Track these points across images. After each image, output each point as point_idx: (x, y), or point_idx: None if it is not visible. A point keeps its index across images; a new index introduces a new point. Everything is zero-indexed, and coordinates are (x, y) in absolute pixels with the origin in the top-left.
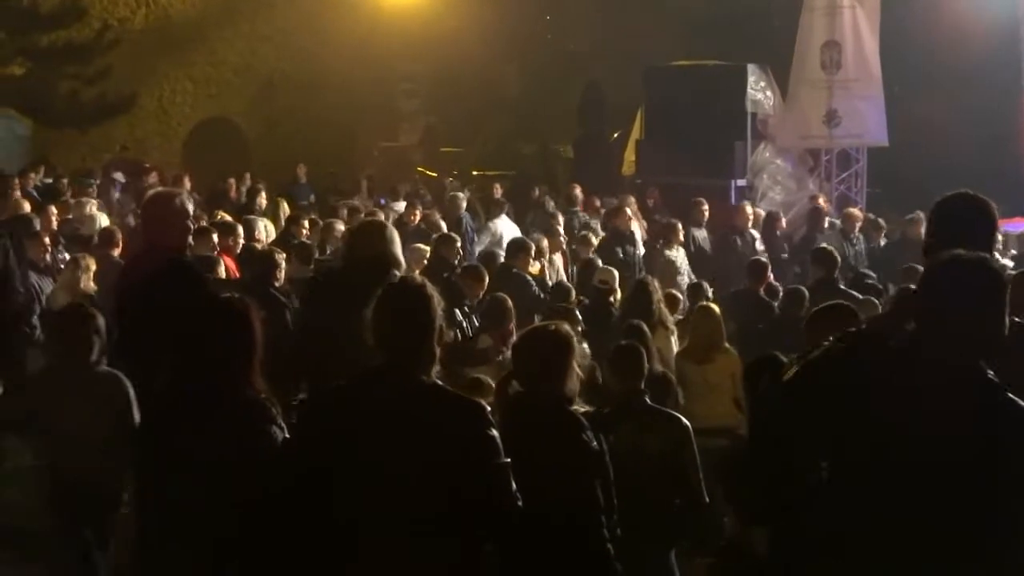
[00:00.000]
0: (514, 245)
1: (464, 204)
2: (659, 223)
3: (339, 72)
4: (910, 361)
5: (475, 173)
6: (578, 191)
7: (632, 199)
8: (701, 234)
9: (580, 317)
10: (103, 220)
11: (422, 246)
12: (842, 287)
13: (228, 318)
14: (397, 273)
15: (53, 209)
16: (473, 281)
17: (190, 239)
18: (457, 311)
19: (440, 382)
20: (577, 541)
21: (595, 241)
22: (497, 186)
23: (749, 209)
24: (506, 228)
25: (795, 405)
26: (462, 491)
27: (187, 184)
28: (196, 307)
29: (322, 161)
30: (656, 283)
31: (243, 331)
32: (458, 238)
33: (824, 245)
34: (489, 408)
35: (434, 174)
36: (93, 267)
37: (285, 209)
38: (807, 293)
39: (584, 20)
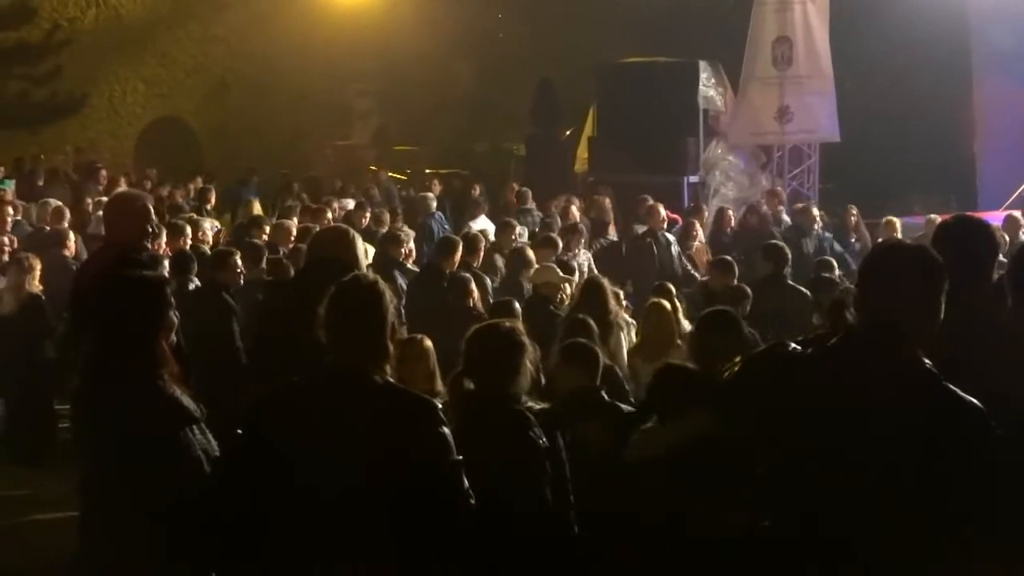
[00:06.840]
0: (467, 243)
1: (434, 204)
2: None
3: (291, 72)
4: (850, 355)
5: (428, 171)
6: (522, 190)
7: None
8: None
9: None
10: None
11: (368, 246)
12: (789, 283)
13: (140, 294)
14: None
15: (9, 210)
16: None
17: (147, 242)
18: None
19: (392, 380)
20: (528, 537)
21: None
22: (477, 187)
23: (663, 211)
24: (486, 229)
25: (737, 400)
26: (414, 490)
27: (123, 184)
28: (111, 284)
29: (274, 161)
30: (606, 281)
31: (155, 307)
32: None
33: (775, 241)
34: (441, 406)
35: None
36: (38, 267)
37: (257, 209)
38: (749, 291)
39: (536, 18)
